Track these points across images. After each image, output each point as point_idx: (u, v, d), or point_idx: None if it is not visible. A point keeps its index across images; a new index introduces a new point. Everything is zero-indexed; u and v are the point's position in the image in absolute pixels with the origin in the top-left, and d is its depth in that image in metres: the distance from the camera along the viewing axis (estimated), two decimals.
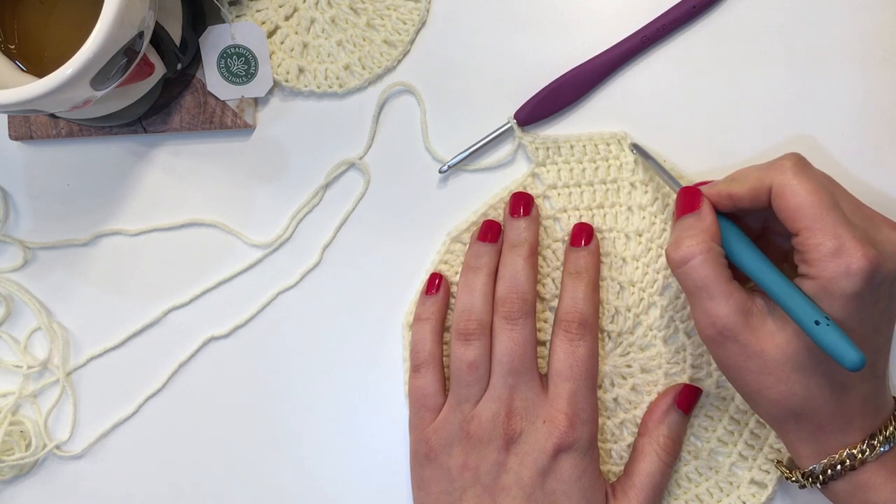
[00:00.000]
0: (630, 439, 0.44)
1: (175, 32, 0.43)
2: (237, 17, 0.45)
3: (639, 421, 0.43)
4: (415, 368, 0.43)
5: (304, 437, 0.46)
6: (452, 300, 0.44)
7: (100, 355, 0.47)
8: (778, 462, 0.41)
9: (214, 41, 0.45)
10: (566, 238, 0.44)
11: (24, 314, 0.48)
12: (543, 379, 0.42)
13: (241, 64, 0.45)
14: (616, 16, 0.45)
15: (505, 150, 0.45)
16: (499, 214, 0.44)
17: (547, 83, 0.44)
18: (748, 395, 0.37)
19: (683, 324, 0.43)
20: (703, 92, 0.44)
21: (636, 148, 0.43)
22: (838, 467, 0.36)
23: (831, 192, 0.35)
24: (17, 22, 0.41)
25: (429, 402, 0.42)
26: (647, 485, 0.41)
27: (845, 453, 0.36)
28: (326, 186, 0.46)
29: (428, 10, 0.45)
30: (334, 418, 0.46)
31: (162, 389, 0.47)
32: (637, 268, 0.43)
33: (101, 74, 0.36)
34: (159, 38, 0.41)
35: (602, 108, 0.45)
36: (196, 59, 0.45)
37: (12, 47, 0.41)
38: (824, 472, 0.37)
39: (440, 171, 0.45)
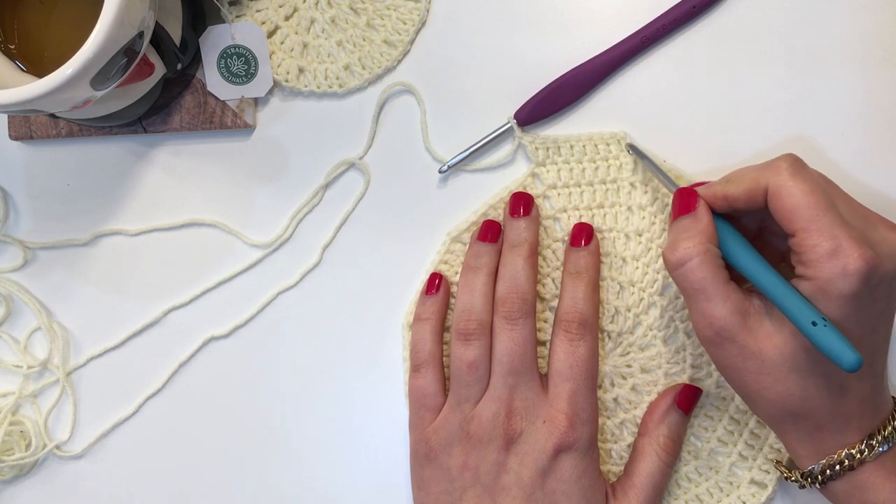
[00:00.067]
0: (630, 439, 0.44)
1: (175, 32, 0.43)
2: (237, 17, 0.45)
3: (639, 421, 0.43)
4: (415, 368, 0.43)
5: (303, 437, 0.46)
6: (452, 300, 0.44)
7: (100, 355, 0.47)
8: (777, 462, 0.41)
9: (214, 41, 0.45)
10: (566, 238, 0.44)
11: (24, 314, 0.48)
12: (543, 379, 0.42)
13: (241, 64, 0.45)
14: (616, 16, 0.45)
15: (505, 150, 0.45)
16: (499, 214, 0.44)
17: (547, 83, 0.44)
18: (746, 396, 0.37)
19: (683, 324, 0.43)
20: (703, 92, 0.44)
21: (633, 148, 0.43)
22: (837, 467, 0.36)
23: (827, 193, 0.35)
24: (17, 22, 0.41)
25: (429, 402, 0.42)
26: (647, 485, 0.41)
27: (844, 453, 0.36)
28: (326, 186, 0.46)
29: (428, 10, 0.45)
30: (334, 418, 0.46)
31: (162, 389, 0.47)
32: (637, 268, 0.43)
33: (101, 74, 0.36)
34: (159, 38, 0.41)
35: (602, 108, 0.45)
36: (196, 59, 0.45)
37: (12, 47, 0.41)
38: (823, 472, 0.37)
39: (440, 171, 0.45)
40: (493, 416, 0.40)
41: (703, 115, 0.44)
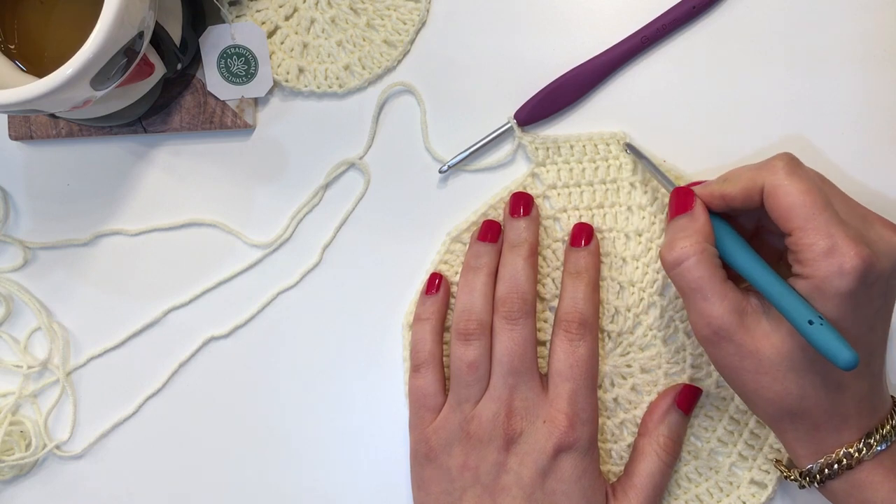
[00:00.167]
0: (630, 439, 0.44)
1: (175, 32, 0.43)
2: (237, 17, 0.45)
3: (639, 421, 0.43)
4: (415, 368, 0.43)
5: (303, 437, 0.46)
6: (452, 300, 0.44)
7: (100, 355, 0.47)
8: (777, 461, 0.41)
9: (214, 41, 0.45)
10: (566, 238, 0.44)
11: (24, 314, 0.48)
12: (543, 379, 0.42)
13: (241, 64, 0.45)
14: (616, 16, 0.45)
15: (505, 150, 0.45)
16: (499, 214, 0.44)
17: (547, 83, 0.44)
18: (745, 395, 0.37)
19: (683, 324, 0.43)
20: (703, 92, 0.44)
21: (630, 148, 0.43)
22: (835, 466, 0.36)
23: (824, 192, 0.35)
24: (17, 22, 0.41)
25: (429, 402, 0.42)
26: (647, 485, 0.41)
27: (842, 452, 0.36)
28: (326, 186, 0.46)
29: (428, 10, 0.45)
30: (334, 418, 0.46)
31: (162, 389, 0.47)
32: (637, 268, 0.43)
33: (101, 74, 0.36)
34: (159, 38, 0.41)
35: (602, 108, 0.45)
36: (196, 59, 0.45)
37: (12, 47, 0.41)
38: (822, 471, 0.37)
39: (440, 171, 0.45)
40: (493, 416, 0.40)
41: (703, 115, 0.44)
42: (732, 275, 0.37)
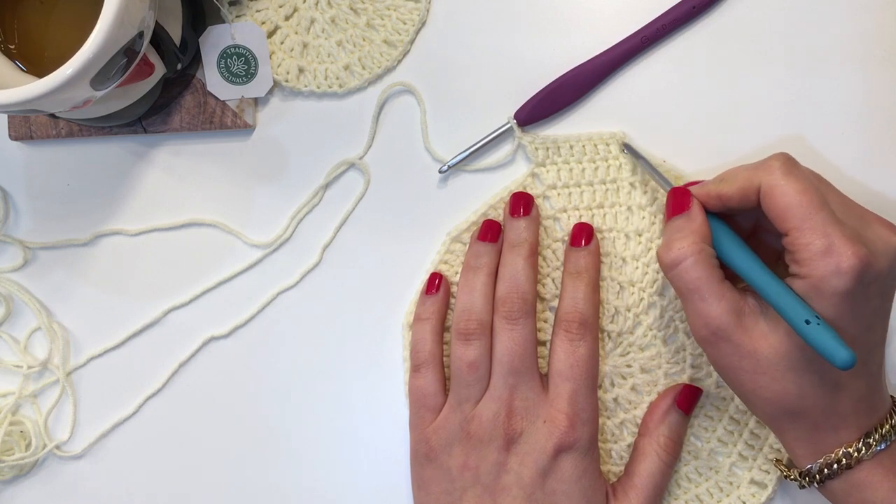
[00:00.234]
0: (630, 439, 0.44)
1: (175, 32, 0.43)
2: (237, 17, 0.45)
3: (639, 421, 0.43)
4: (415, 368, 0.43)
5: (303, 437, 0.46)
6: (452, 300, 0.44)
7: (100, 355, 0.47)
8: (777, 461, 0.41)
9: (214, 41, 0.45)
10: (566, 238, 0.44)
11: (24, 314, 0.48)
12: (544, 379, 0.42)
13: (241, 64, 0.45)
14: (616, 16, 0.45)
15: (505, 150, 0.45)
16: (499, 214, 0.44)
17: (547, 83, 0.44)
18: (744, 396, 0.37)
19: (683, 324, 0.43)
20: (702, 92, 0.44)
21: (627, 148, 0.43)
22: (835, 466, 0.36)
23: (820, 191, 0.35)
24: (17, 22, 0.41)
25: (429, 402, 0.42)
26: (647, 485, 0.41)
27: (841, 452, 0.36)
28: (326, 186, 0.46)
29: (428, 10, 0.45)
30: (334, 418, 0.46)
31: (162, 389, 0.47)
32: (637, 268, 0.43)
33: (101, 74, 0.36)
34: (159, 38, 0.41)
35: (602, 108, 0.45)
36: (196, 59, 0.45)
37: (12, 47, 0.41)
38: (821, 471, 0.37)
39: (440, 171, 0.45)
40: (494, 416, 0.40)
41: (703, 115, 0.44)
42: (730, 275, 0.37)
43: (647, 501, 0.41)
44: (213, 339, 0.46)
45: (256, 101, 0.46)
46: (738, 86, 0.44)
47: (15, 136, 0.47)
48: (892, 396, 0.38)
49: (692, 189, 0.39)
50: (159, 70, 0.42)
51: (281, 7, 0.46)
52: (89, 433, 0.47)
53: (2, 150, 0.48)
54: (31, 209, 0.48)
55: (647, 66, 0.45)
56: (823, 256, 0.33)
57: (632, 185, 0.44)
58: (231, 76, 0.45)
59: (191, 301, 0.47)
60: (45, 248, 0.47)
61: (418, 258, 0.45)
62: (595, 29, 0.45)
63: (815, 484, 0.37)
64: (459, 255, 0.45)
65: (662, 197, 0.43)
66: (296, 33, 0.46)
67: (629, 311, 0.43)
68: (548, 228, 0.44)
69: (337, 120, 0.46)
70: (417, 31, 0.45)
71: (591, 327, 0.42)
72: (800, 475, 0.38)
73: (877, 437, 0.36)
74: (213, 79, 0.45)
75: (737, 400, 0.43)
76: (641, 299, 0.43)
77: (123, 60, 0.37)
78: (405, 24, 0.45)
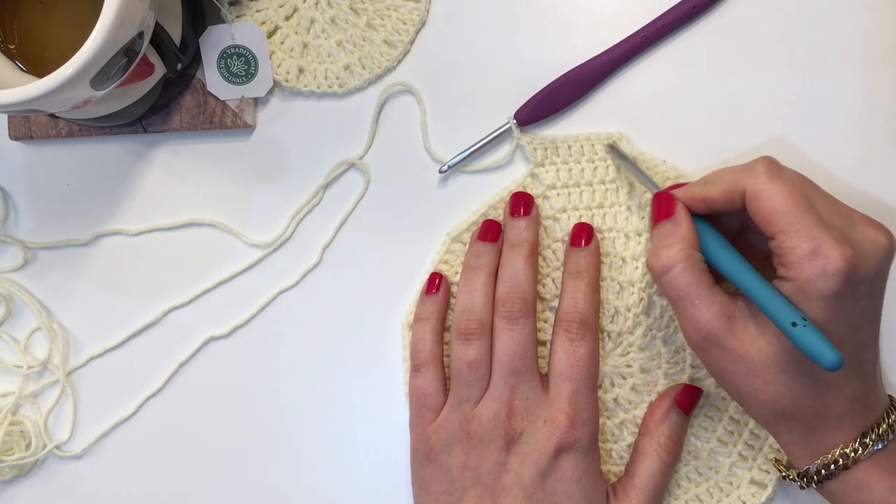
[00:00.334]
0: (630, 439, 0.44)
1: (175, 32, 0.43)
2: (237, 17, 0.45)
3: (639, 421, 0.43)
4: (415, 368, 0.43)
5: (303, 437, 0.46)
6: (452, 300, 0.44)
7: (100, 355, 0.47)
8: (776, 461, 0.41)
9: (214, 41, 0.45)
10: (566, 238, 0.44)
11: (24, 314, 0.48)
12: (544, 379, 0.42)
13: (241, 64, 0.45)
14: (616, 16, 0.45)
15: (504, 150, 0.45)
16: (499, 214, 0.44)
17: (547, 83, 0.44)
18: (739, 399, 0.37)
19: None
20: (703, 92, 0.44)
21: (612, 149, 0.43)
22: (832, 467, 0.36)
23: (805, 194, 0.35)
24: (17, 22, 0.41)
25: (429, 402, 0.42)
26: (648, 485, 0.41)
27: (838, 452, 0.36)
28: (326, 186, 0.46)
29: (428, 10, 0.45)
30: (334, 418, 0.46)
31: (162, 389, 0.47)
32: (637, 268, 0.43)
33: (101, 74, 0.36)
34: (159, 38, 0.41)
35: (602, 108, 0.45)
36: (196, 59, 0.45)
37: (12, 47, 0.41)
38: (818, 472, 0.37)
39: (440, 171, 0.45)
40: (494, 416, 0.40)
41: (703, 115, 0.44)
42: (721, 276, 0.37)
43: (648, 501, 0.41)
44: (213, 339, 0.46)
45: (256, 101, 0.46)
46: (738, 86, 0.44)
47: (15, 136, 0.47)
48: (890, 396, 0.38)
49: (678, 192, 0.39)
50: (159, 70, 0.42)
51: (281, 7, 0.46)
52: (89, 433, 0.47)
53: (2, 150, 0.48)
54: (31, 209, 0.48)
55: (647, 66, 0.45)
56: (810, 259, 0.33)
57: (631, 185, 0.44)
58: (231, 76, 0.45)
59: (191, 301, 0.47)
60: (45, 248, 0.47)
61: (418, 258, 0.45)
62: (595, 29, 0.45)
63: (813, 485, 0.37)
64: (459, 255, 0.45)
65: None
66: (296, 33, 0.46)
67: (629, 311, 0.43)
68: (548, 228, 0.44)
69: (337, 120, 0.46)
70: (417, 31, 0.45)
71: (592, 327, 0.42)
72: (798, 476, 0.38)
73: (873, 436, 0.36)
74: (213, 79, 0.45)
75: None
76: (641, 299, 0.43)
77: (123, 60, 0.37)
78: (405, 24, 0.45)
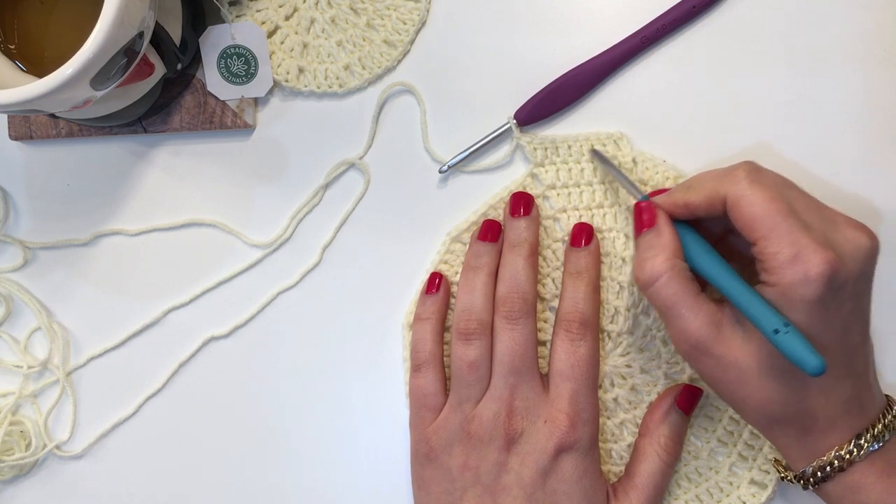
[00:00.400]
0: (630, 439, 0.44)
1: (175, 32, 0.43)
2: (237, 17, 0.45)
3: (639, 421, 0.43)
4: (415, 368, 0.43)
5: (303, 437, 0.46)
6: (453, 300, 0.44)
7: (100, 355, 0.47)
8: (776, 461, 0.41)
9: (214, 41, 0.45)
10: (566, 238, 0.44)
11: (24, 314, 0.48)
12: (544, 379, 0.42)
13: (241, 64, 0.45)
14: (616, 16, 0.45)
15: (504, 150, 0.45)
16: (499, 214, 0.44)
17: (547, 83, 0.44)
18: (733, 405, 0.37)
19: None
20: (703, 92, 0.44)
21: (596, 154, 0.43)
22: (827, 469, 0.36)
23: (787, 198, 0.35)
24: (17, 22, 0.41)
25: (429, 402, 0.42)
26: (648, 485, 0.41)
27: (833, 454, 0.36)
28: (326, 186, 0.46)
29: (428, 10, 0.45)
30: (334, 418, 0.46)
31: (162, 389, 0.47)
32: None
33: (101, 74, 0.36)
34: (159, 38, 0.41)
35: (602, 108, 0.45)
36: (196, 59, 0.45)
37: (12, 47, 0.41)
38: (814, 474, 0.36)
39: (440, 171, 0.45)
40: (494, 416, 0.40)
41: (703, 115, 0.44)
42: (706, 282, 0.37)
43: (648, 501, 0.41)
44: (213, 339, 0.46)
45: (256, 101, 0.46)
46: (738, 86, 0.44)
47: (15, 136, 0.47)
48: (887, 396, 0.38)
49: (659, 199, 0.39)
50: (159, 70, 0.42)
51: (281, 7, 0.46)
52: (89, 433, 0.47)
53: (2, 150, 0.48)
54: (31, 209, 0.48)
55: (647, 66, 0.45)
56: (791, 265, 0.33)
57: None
58: (231, 76, 0.45)
59: (191, 301, 0.47)
60: (45, 248, 0.47)
61: (418, 258, 0.45)
62: (595, 29, 0.45)
63: (811, 487, 0.37)
64: (459, 255, 0.45)
65: None
66: (296, 33, 0.46)
67: (629, 311, 0.43)
68: (548, 228, 0.44)
69: (337, 120, 0.46)
70: (417, 31, 0.45)
71: (592, 327, 0.42)
72: (795, 478, 0.38)
73: (869, 437, 0.36)
74: (213, 79, 0.45)
75: None
76: (641, 299, 0.43)
77: (123, 60, 0.37)
78: (405, 24, 0.45)
